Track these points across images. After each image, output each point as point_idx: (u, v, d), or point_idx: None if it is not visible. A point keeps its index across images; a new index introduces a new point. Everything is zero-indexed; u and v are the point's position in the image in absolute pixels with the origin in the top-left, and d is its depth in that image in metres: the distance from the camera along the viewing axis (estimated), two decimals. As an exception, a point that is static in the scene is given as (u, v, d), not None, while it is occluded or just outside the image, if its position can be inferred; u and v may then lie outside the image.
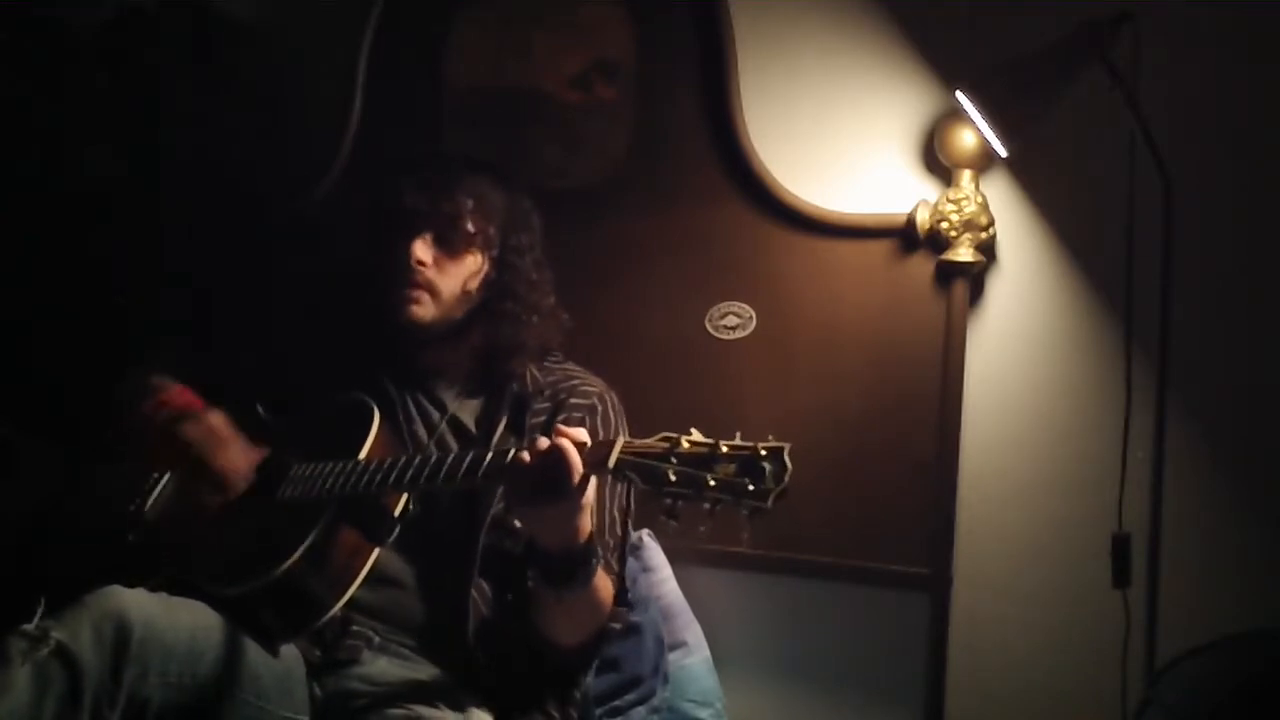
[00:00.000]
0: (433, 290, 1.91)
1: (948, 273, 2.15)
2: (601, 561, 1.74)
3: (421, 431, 1.94)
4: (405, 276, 1.90)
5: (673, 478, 1.46)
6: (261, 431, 1.93)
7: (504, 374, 1.96)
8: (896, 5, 2.23)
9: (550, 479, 1.55)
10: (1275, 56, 2.04)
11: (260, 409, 1.96)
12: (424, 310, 1.91)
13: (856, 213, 2.23)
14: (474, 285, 1.94)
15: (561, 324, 2.03)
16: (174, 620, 1.62)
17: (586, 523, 1.65)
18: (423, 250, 1.90)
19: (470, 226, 1.92)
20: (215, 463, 1.84)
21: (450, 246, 1.92)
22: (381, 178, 2.02)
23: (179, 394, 1.94)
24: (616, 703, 2.04)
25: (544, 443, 1.57)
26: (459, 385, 1.98)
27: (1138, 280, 1.94)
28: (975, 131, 2.02)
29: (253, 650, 1.69)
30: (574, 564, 1.66)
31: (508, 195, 1.99)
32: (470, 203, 1.93)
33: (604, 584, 1.75)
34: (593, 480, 1.59)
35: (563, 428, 1.60)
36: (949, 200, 2.13)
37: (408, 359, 1.98)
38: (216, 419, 1.88)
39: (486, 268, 1.96)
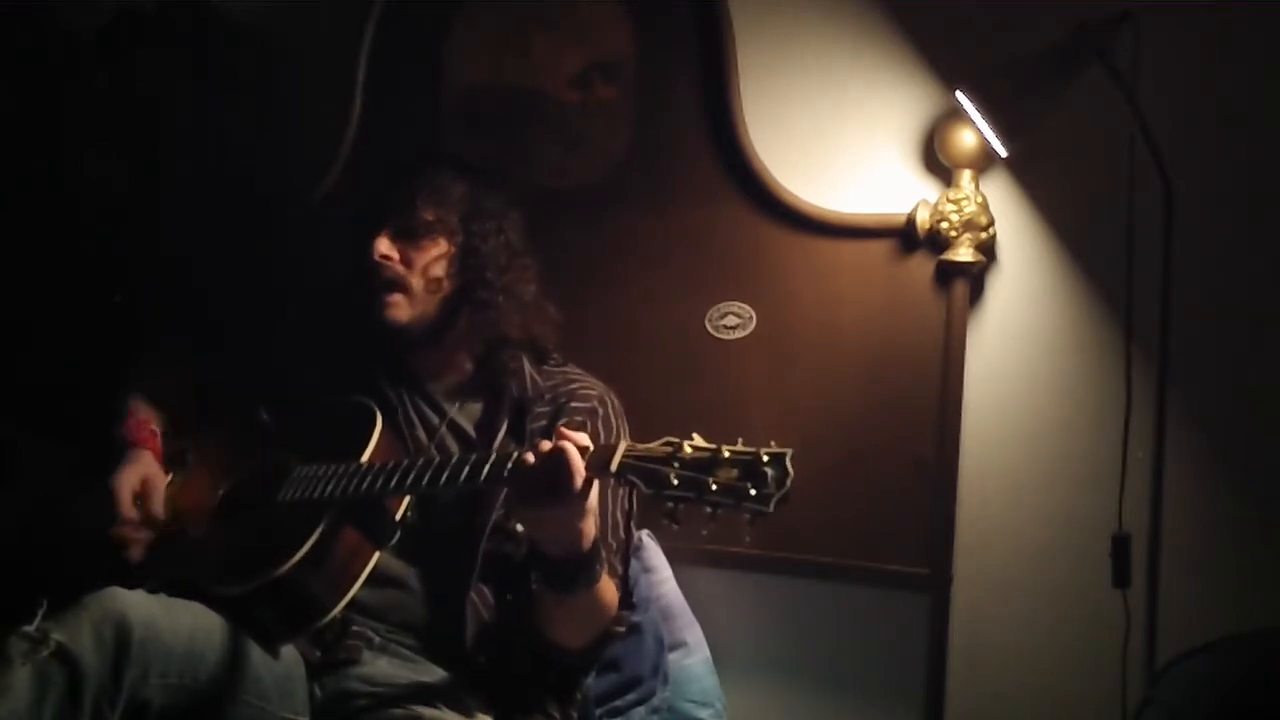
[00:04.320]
0: (404, 287, 1.91)
1: (948, 273, 2.15)
2: (605, 566, 1.74)
3: (423, 436, 1.94)
4: (375, 277, 1.90)
5: (675, 481, 1.46)
6: (262, 435, 1.94)
7: (496, 369, 1.95)
8: (896, 5, 2.23)
9: (552, 481, 1.55)
10: (1275, 56, 2.04)
11: (262, 412, 1.96)
12: (400, 310, 1.91)
13: (856, 213, 2.23)
14: (439, 271, 1.92)
15: (550, 318, 2.02)
16: (174, 621, 1.62)
17: (590, 528, 1.64)
18: (385, 246, 1.90)
19: (427, 215, 1.92)
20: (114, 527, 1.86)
21: (411, 237, 1.92)
22: (366, 187, 2.04)
23: (140, 426, 1.96)
24: (617, 703, 2.04)
25: (546, 445, 1.58)
26: (457, 390, 1.98)
27: (1138, 280, 1.94)
28: (975, 131, 2.02)
29: (253, 651, 1.69)
30: (577, 569, 1.66)
31: (470, 185, 1.98)
32: (422, 192, 1.93)
33: (607, 587, 1.76)
34: (595, 484, 1.59)
35: (564, 430, 1.60)
36: (949, 200, 2.13)
37: (400, 362, 1.98)
38: (149, 465, 1.90)
39: (452, 253, 1.94)
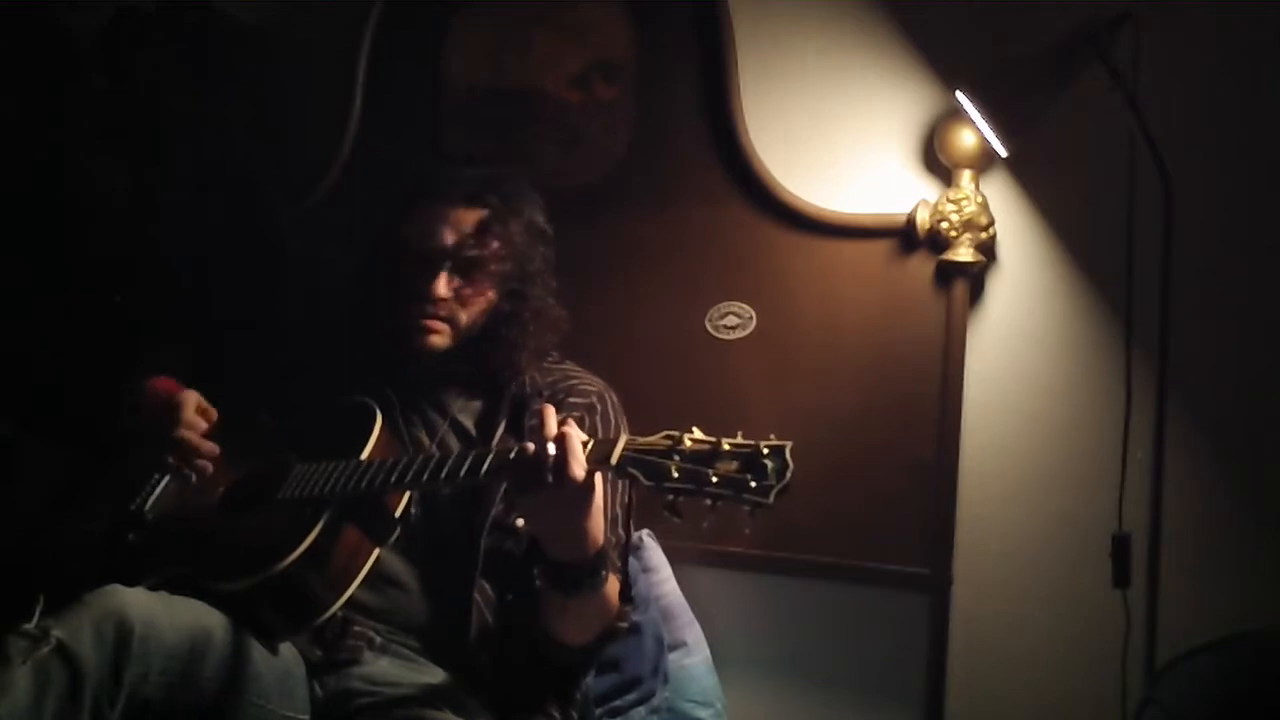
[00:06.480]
0: (452, 322, 1.92)
1: (948, 273, 2.15)
2: (610, 568, 1.74)
3: (423, 435, 1.94)
4: (423, 308, 1.90)
5: (675, 474, 1.46)
6: (262, 435, 1.93)
7: (499, 365, 1.96)
8: (896, 5, 2.23)
9: (553, 465, 1.55)
10: (1275, 56, 2.04)
11: (261, 411, 1.96)
12: (441, 340, 1.92)
13: (856, 213, 2.24)
14: (489, 306, 1.95)
15: (558, 325, 2.02)
16: (175, 619, 1.62)
17: (597, 530, 1.64)
18: (444, 288, 1.91)
19: (493, 266, 1.93)
20: (175, 432, 1.82)
21: (470, 281, 1.93)
22: (397, 195, 2.00)
23: (161, 382, 1.94)
24: (616, 703, 2.04)
25: (550, 429, 1.57)
26: (459, 389, 1.98)
27: (1138, 280, 1.94)
28: (975, 131, 2.03)
29: (254, 650, 1.68)
30: (582, 573, 1.66)
31: (526, 217, 1.97)
32: (496, 244, 1.92)
33: (610, 585, 1.75)
34: (599, 483, 1.59)
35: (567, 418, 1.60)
36: (949, 200, 2.13)
37: (414, 374, 1.98)
38: (190, 396, 1.87)
39: (498, 298, 1.95)
